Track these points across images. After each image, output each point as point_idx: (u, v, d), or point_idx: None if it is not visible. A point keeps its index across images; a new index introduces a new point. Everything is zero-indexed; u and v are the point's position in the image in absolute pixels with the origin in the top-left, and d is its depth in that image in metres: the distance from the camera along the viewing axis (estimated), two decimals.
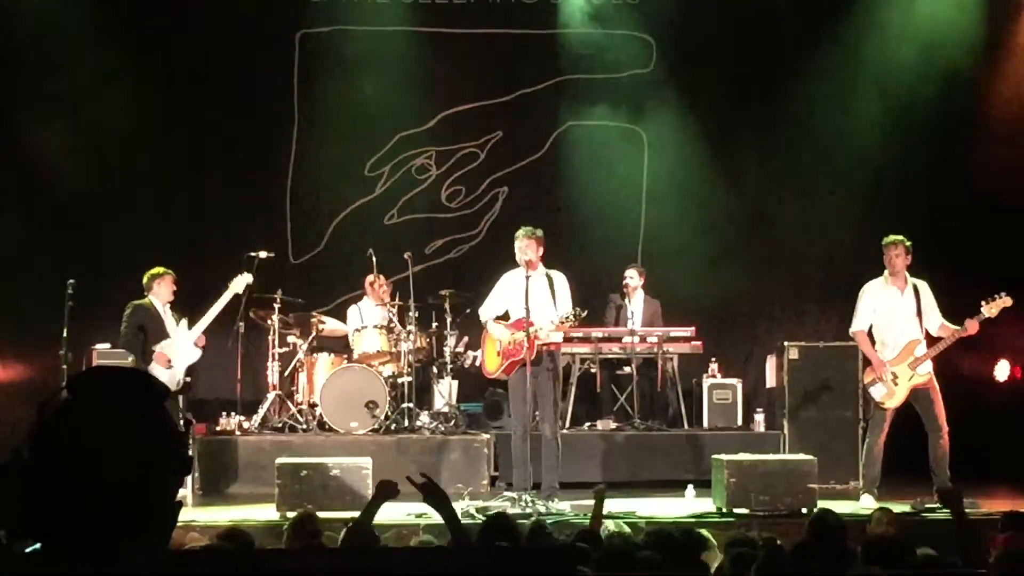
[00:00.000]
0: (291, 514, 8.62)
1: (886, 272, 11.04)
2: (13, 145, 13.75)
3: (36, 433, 2.04)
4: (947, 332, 10.89)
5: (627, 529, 7.59)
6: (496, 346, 10.87)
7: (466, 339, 13.21)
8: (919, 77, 14.53)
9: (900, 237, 11.00)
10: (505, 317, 11.01)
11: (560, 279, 10.90)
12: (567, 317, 10.50)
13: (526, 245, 10.66)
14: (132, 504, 2.02)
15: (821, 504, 10.09)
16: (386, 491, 6.31)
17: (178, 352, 11.44)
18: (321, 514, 8.18)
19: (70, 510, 1.99)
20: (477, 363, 12.39)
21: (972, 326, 10.78)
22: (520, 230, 10.85)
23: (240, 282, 11.78)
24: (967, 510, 10.00)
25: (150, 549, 2.01)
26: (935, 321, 10.99)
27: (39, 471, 2.01)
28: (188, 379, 11.47)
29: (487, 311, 11.08)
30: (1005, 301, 10.76)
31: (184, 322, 11.55)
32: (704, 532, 6.65)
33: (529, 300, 10.52)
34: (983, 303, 10.78)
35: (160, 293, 11.53)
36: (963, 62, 14.24)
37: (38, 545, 2.05)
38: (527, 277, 10.64)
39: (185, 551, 4.08)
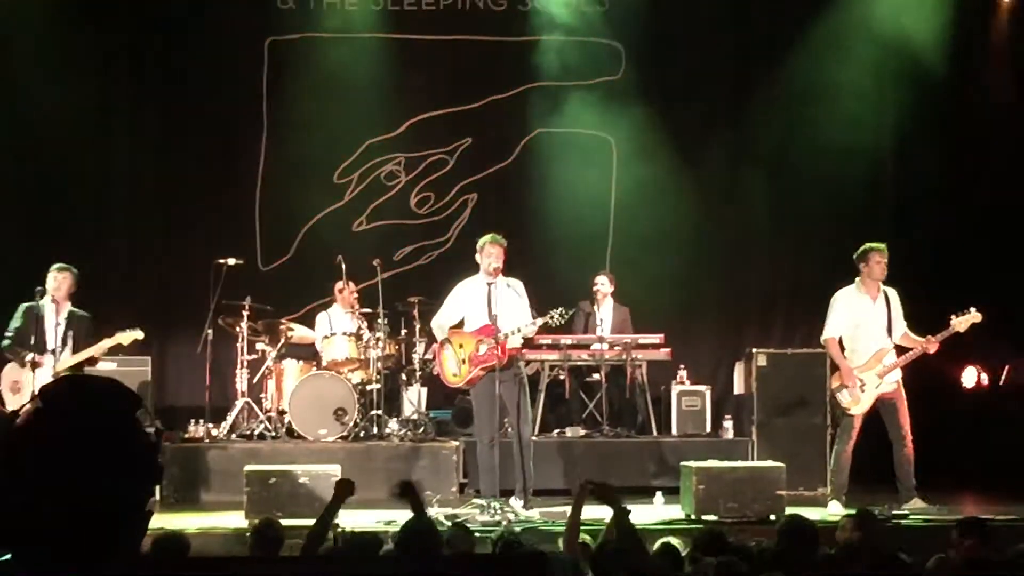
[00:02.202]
0: None
1: (858, 280, 11.07)
2: None
3: (7, 441, 2.03)
4: (910, 343, 10.94)
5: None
6: (461, 354, 10.81)
7: (435, 346, 13.18)
8: (890, 80, 14.63)
9: (883, 245, 11.04)
10: (459, 326, 10.99)
11: (522, 287, 10.91)
12: (557, 315, 10.58)
13: (498, 253, 10.66)
14: (103, 512, 2.01)
15: (789, 511, 10.15)
16: (346, 490, 6.35)
17: (40, 375, 10.94)
18: (290, 521, 8.17)
19: (41, 518, 1.98)
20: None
21: (932, 345, 10.83)
22: (487, 237, 10.81)
23: (128, 336, 11.36)
24: (935, 516, 10.15)
25: (120, 556, 2.00)
26: (899, 330, 11.04)
27: (10, 479, 2.00)
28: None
29: (443, 321, 11.01)
30: (974, 316, 10.80)
31: (62, 352, 11.11)
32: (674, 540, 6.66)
33: (497, 307, 10.53)
34: (952, 316, 10.82)
35: (53, 291, 11.23)
36: (936, 63, 14.32)
37: (8, 555, 2.04)
38: (490, 284, 10.65)
39: (153, 557, 4.07)
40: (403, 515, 9.21)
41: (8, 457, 2.02)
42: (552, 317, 10.62)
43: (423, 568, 2.31)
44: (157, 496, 10.93)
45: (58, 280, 11.28)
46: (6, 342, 11.27)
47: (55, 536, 1.99)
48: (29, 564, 1.96)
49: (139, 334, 11.47)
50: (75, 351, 11.19)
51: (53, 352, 11.12)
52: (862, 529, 6.60)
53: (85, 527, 2.00)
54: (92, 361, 11.35)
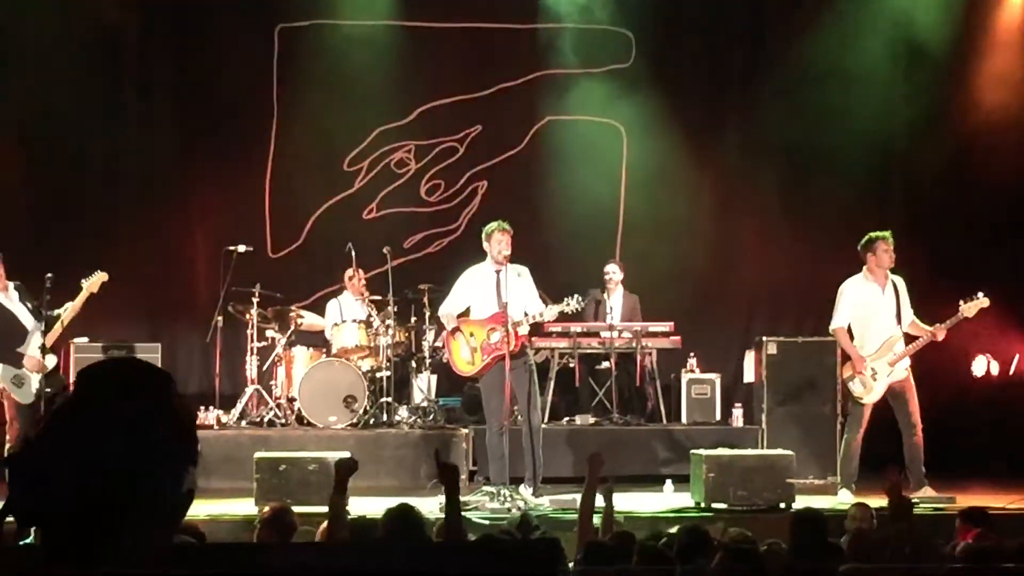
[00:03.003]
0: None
1: (865, 268, 11.05)
2: None
3: (45, 422, 2.03)
4: (918, 331, 10.92)
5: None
6: (472, 343, 10.80)
7: (444, 333, 13.19)
8: (897, 68, 14.61)
9: (888, 233, 11.03)
10: (464, 314, 10.98)
11: (528, 273, 10.91)
12: (574, 302, 10.58)
13: (507, 240, 10.66)
14: (141, 493, 2.01)
15: (799, 499, 10.15)
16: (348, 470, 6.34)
17: (37, 353, 10.76)
18: (300, 508, 8.17)
19: (78, 500, 1.98)
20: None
21: (940, 333, 10.81)
22: (495, 224, 10.80)
23: (95, 283, 11.08)
24: (944, 505, 10.15)
25: (159, 538, 2.00)
26: (907, 317, 11.02)
27: (47, 461, 2.01)
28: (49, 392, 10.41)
29: (451, 309, 11.00)
30: (983, 302, 10.79)
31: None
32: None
33: (507, 294, 10.53)
34: (961, 302, 10.81)
35: None
36: (946, 50, 14.30)
37: (29, 539, 2.04)
38: (498, 272, 10.66)
39: (185, 545, 4.05)
40: (412, 503, 9.25)
41: (45, 437, 2.02)
42: (568, 304, 10.62)
43: (431, 559, 2.30)
44: None
45: None
46: None
47: (92, 517, 1.99)
48: (64, 546, 1.96)
49: (104, 276, 11.13)
50: (39, 317, 10.81)
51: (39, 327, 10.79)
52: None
53: (123, 508, 2.00)
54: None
